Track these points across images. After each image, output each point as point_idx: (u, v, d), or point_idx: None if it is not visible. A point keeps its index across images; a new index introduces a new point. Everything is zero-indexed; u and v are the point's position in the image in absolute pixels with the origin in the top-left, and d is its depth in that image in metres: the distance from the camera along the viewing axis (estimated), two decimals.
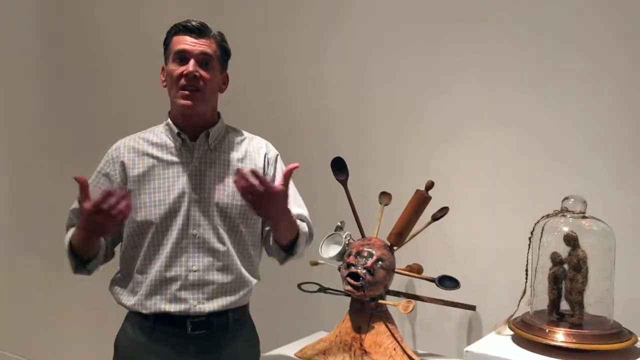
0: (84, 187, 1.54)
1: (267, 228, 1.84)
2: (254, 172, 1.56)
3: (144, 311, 1.74)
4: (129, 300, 1.76)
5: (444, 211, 2.02)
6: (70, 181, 3.34)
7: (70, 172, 3.29)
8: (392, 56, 2.31)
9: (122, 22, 3.08)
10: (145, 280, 1.74)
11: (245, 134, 1.88)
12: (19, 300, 3.60)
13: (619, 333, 1.67)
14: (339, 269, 1.99)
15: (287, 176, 1.61)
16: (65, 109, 3.33)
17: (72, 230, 1.72)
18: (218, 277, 1.74)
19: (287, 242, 1.76)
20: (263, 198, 1.57)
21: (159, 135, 1.80)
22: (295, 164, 1.60)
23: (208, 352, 1.76)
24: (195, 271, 1.73)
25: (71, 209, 1.80)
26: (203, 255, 1.74)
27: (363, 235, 2.06)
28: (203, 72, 1.71)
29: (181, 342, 1.74)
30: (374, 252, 1.93)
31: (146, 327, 1.76)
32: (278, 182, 1.63)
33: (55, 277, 3.35)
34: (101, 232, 1.63)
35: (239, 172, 1.58)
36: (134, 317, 1.79)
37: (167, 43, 1.77)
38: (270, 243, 1.81)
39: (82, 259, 1.71)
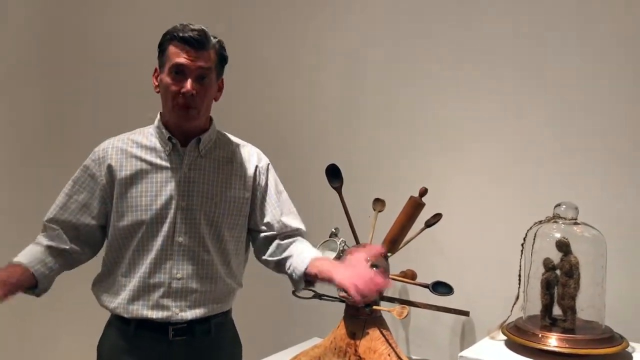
0: None
1: (285, 255, 1.78)
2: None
3: (125, 315, 1.71)
4: (111, 303, 1.73)
5: (437, 217, 2.04)
6: (64, 184, 3.32)
7: (67, 175, 3.29)
8: (388, 64, 2.33)
9: (120, 23, 3.07)
10: (129, 285, 1.71)
11: (237, 140, 1.85)
12: (15, 309, 3.58)
13: (610, 338, 1.69)
14: None
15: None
16: (62, 111, 3.32)
17: (25, 250, 1.73)
18: (201, 286, 1.72)
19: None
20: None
21: (149, 138, 1.76)
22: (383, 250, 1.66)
23: (189, 358, 1.74)
24: (179, 279, 1.70)
25: (50, 212, 1.77)
26: (187, 263, 1.71)
27: (357, 242, 2.07)
28: (199, 88, 1.66)
29: (162, 348, 1.72)
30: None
31: (127, 332, 1.73)
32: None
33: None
34: None
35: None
36: (116, 321, 1.76)
37: (162, 49, 1.70)
38: (294, 275, 1.73)
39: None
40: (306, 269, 1.69)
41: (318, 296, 2.12)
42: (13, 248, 1.74)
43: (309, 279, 1.71)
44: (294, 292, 2.11)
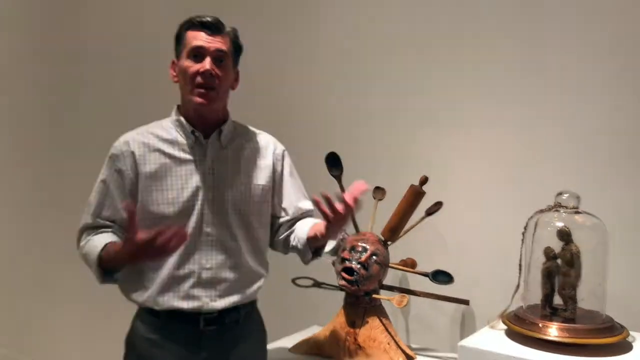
0: (132, 215, 1.52)
1: (287, 233, 1.84)
2: (343, 200, 1.55)
3: (155, 307, 1.72)
4: (140, 296, 1.74)
5: (437, 206, 2.03)
6: (66, 178, 3.34)
7: (65, 168, 3.30)
8: (388, 53, 2.31)
9: (118, 16, 3.07)
10: (157, 277, 1.72)
11: (252, 129, 1.89)
12: (13, 296, 3.60)
13: (611, 327, 1.68)
14: (333, 264, 1.99)
15: (357, 197, 1.59)
16: (59, 106, 3.32)
17: (99, 240, 1.69)
18: (230, 275, 1.74)
19: (321, 246, 1.77)
20: (344, 219, 1.60)
21: (169, 131, 1.77)
22: (364, 187, 1.61)
23: (219, 347, 1.76)
24: (208, 269, 1.72)
25: (91, 213, 1.75)
26: (216, 253, 1.73)
27: (357, 230, 2.06)
28: (218, 70, 1.70)
29: (193, 338, 1.74)
30: (368, 246, 1.93)
31: (157, 324, 1.75)
32: (348, 199, 1.58)
33: (50, 273, 3.35)
34: (147, 261, 1.64)
35: (327, 200, 1.56)
36: (145, 314, 1.77)
37: (179, 37, 1.74)
38: (298, 245, 1.78)
39: (108, 270, 1.69)
40: (308, 234, 1.73)
41: (318, 285, 2.12)
42: (7, 243, 1.74)
43: (313, 247, 1.75)
44: (293, 281, 2.11)
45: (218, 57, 1.71)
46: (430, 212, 2.03)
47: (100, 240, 1.69)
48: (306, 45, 2.51)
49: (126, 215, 1.54)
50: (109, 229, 1.74)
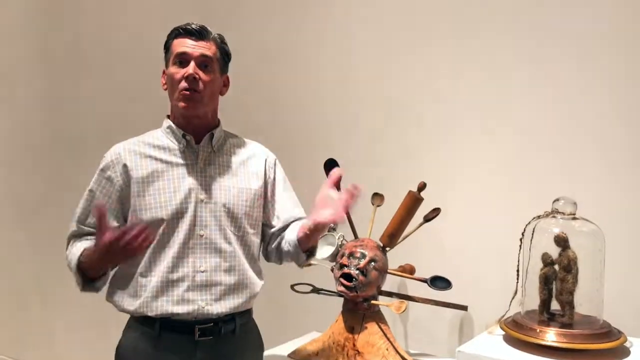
0: (102, 216, 1.53)
1: (278, 240, 1.84)
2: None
3: (149, 314, 1.69)
4: (132, 304, 1.71)
5: (436, 212, 2.04)
6: (67, 182, 3.33)
7: (66, 172, 3.30)
8: (387, 59, 2.32)
9: (118, 22, 3.07)
10: (150, 283, 1.70)
11: (244, 139, 1.90)
12: (14, 303, 3.59)
13: (608, 332, 1.69)
14: (332, 270, 2.00)
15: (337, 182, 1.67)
16: (59, 108, 3.32)
17: (79, 247, 1.70)
18: (225, 278, 1.73)
19: (312, 245, 1.79)
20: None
21: (160, 138, 1.79)
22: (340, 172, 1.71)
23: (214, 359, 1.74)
24: (202, 272, 1.71)
25: (76, 221, 1.76)
26: (210, 255, 1.72)
27: (356, 236, 2.07)
28: (202, 75, 1.71)
29: (187, 350, 1.71)
30: (366, 253, 1.94)
31: (151, 334, 1.72)
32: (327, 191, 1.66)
33: (51, 279, 3.34)
34: (118, 262, 1.65)
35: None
36: (137, 324, 1.75)
37: (167, 46, 1.77)
38: (290, 248, 1.78)
39: (90, 277, 1.69)
40: (297, 236, 1.74)
41: (316, 291, 2.12)
42: (8, 248, 1.73)
43: (305, 248, 1.75)
44: (292, 287, 2.11)
45: (202, 62, 1.73)
46: (428, 218, 2.04)
47: (79, 247, 1.70)
48: (303, 50, 2.51)
49: (96, 216, 1.55)
50: (93, 236, 1.72)
